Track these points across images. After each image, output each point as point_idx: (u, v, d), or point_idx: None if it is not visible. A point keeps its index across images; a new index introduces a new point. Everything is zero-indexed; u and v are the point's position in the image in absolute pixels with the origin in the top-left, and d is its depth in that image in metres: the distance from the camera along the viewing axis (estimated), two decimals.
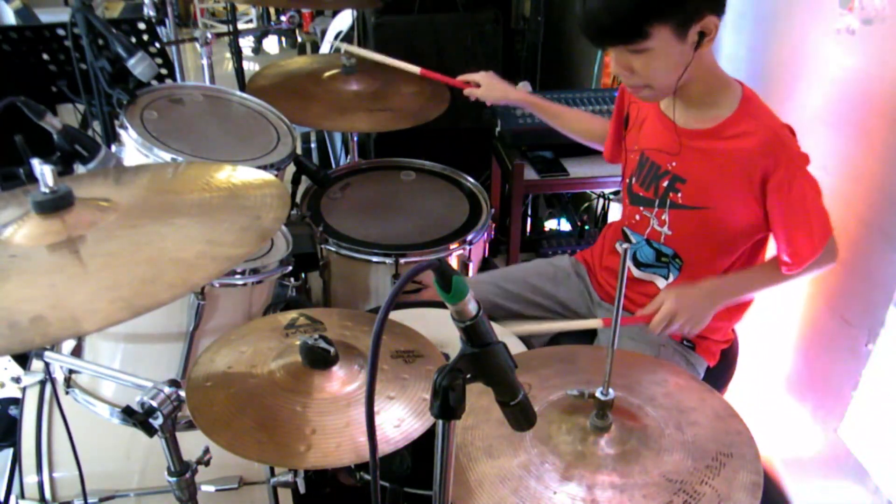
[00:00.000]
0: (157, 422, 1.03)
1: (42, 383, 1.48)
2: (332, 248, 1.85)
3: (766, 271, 1.46)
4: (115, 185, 1.14)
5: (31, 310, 0.81)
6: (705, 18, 1.24)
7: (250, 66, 5.19)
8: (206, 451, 1.17)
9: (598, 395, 1.01)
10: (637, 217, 1.56)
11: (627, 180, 1.59)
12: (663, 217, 1.49)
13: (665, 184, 1.47)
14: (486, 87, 1.87)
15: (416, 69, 2.00)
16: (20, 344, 0.80)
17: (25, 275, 0.89)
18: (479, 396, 1.02)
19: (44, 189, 0.96)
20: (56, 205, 0.96)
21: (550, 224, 3.06)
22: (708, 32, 1.26)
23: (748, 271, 1.49)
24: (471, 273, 1.96)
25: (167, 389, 1.04)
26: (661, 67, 1.29)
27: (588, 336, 1.72)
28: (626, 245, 0.92)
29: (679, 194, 1.46)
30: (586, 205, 2.89)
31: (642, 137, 1.54)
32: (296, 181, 1.94)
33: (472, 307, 0.76)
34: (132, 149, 1.52)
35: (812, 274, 1.43)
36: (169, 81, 2.28)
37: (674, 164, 1.46)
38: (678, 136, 1.44)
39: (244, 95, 1.84)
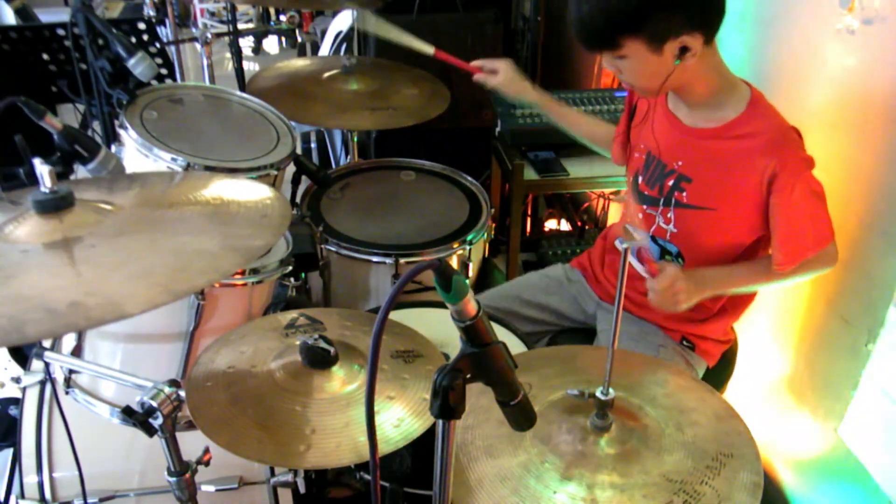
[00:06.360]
0: (157, 422, 1.03)
1: (42, 383, 1.48)
2: (332, 248, 1.85)
3: (757, 267, 1.46)
4: (111, 192, 1.14)
5: (64, 297, 0.81)
6: (682, 36, 1.26)
7: (250, 66, 5.19)
8: (206, 451, 1.17)
9: (598, 394, 1.01)
10: (640, 215, 1.56)
11: (632, 178, 1.59)
12: (668, 215, 1.50)
13: (671, 183, 1.48)
14: (506, 77, 1.76)
15: (430, 49, 1.87)
16: (64, 327, 0.86)
17: (46, 267, 0.90)
18: (479, 396, 1.02)
19: (44, 189, 0.97)
20: (58, 204, 0.97)
21: (550, 224, 3.06)
22: (690, 47, 1.27)
23: (740, 265, 1.49)
24: (470, 273, 1.96)
25: (167, 389, 1.04)
26: (640, 74, 1.35)
27: (588, 336, 1.72)
28: (625, 244, 0.91)
29: (684, 193, 1.46)
30: (586, 205, 2.89)
31: (649, 135, 1.54)
32: (296, 181, 1.93)
33: (472, 307, 0.76)
34: (132, 149, 1.52)
35: (806, 276, 1.43)
36: (169, 81, 2.28)
37: (680, 163, 1.46)
38: (685, 135, 1.45)
39: (244, 95, 1.84)
